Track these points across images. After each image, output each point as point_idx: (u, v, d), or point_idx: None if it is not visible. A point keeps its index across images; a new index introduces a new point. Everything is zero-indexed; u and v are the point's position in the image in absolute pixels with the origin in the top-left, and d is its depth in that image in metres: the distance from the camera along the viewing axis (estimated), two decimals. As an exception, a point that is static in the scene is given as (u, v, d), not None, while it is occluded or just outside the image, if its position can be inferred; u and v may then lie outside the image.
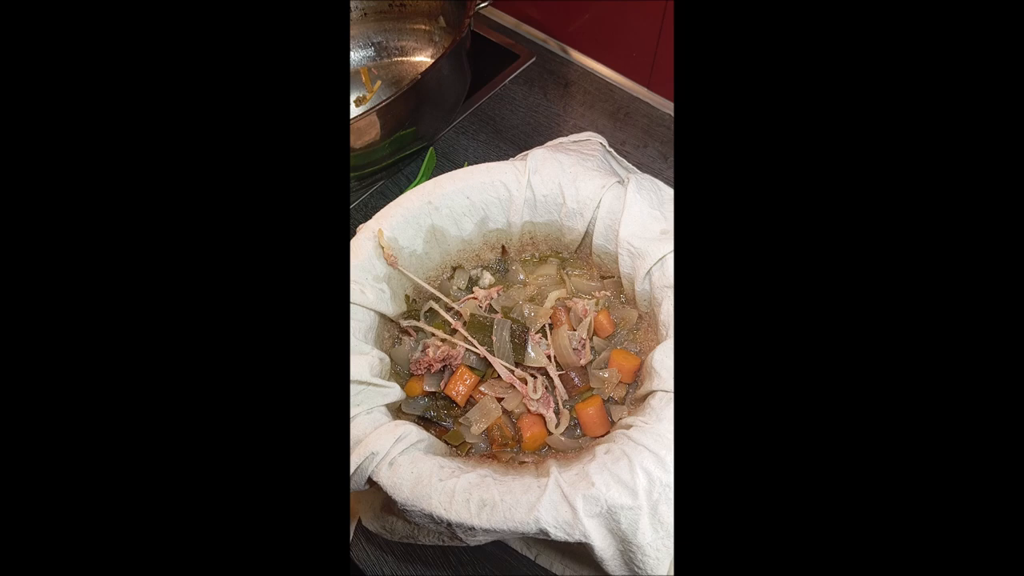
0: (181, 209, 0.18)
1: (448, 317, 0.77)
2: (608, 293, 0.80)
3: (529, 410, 0.71)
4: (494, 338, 0.74)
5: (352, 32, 1.11)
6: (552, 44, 1.17)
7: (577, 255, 0.83)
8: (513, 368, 0.73)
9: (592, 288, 0.81)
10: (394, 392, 0.68)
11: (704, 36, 0.21)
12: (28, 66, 0.16)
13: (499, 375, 0.73)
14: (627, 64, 1.08)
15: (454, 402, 0.73)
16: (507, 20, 1.22)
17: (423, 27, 1.09)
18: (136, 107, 0.17)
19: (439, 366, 0.73)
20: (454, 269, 0.82)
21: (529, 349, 0.73)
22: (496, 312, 0.78)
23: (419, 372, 0.74)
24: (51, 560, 0.16)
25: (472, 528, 0.55)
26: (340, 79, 0.22)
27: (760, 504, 0.20)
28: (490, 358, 0.73)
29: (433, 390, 0.74)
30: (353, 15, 1.10)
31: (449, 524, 0.56)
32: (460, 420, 0.73)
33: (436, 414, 0.74)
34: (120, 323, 0.17)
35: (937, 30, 0.19)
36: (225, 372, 0.19)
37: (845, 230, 0.20)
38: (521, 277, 0.83)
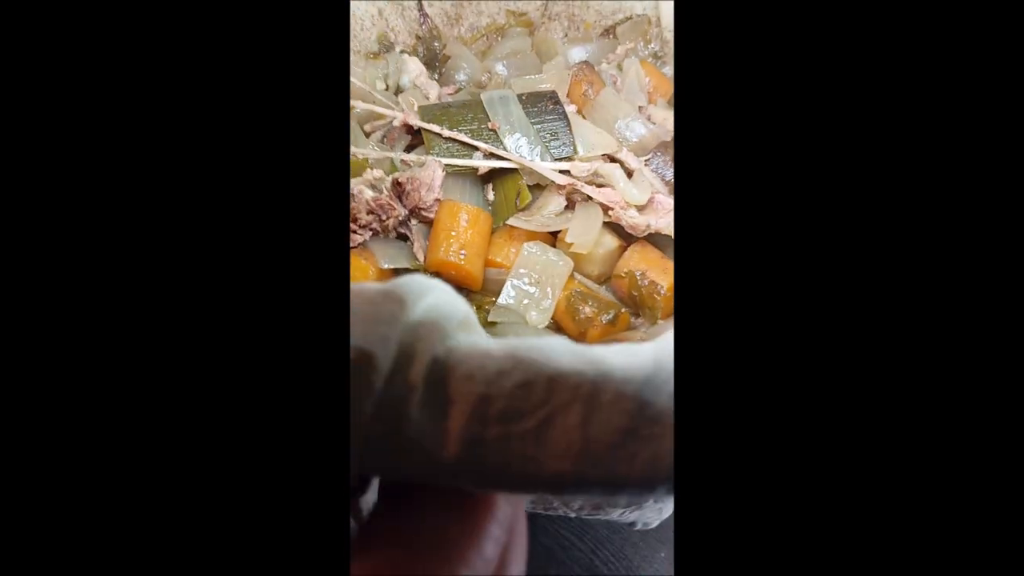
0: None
1: (381, 108, 0.34)
2: (635, 45, 0.44)
3: (626, 233, 0.32)
4: (496, 124, 0.34)
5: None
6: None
7: (548, 14, 0.47)
8: (563, 168, 0.33)
9: (601, 51, 0.45)
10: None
11: (704, 36, 0.21)
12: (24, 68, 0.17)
13: (522, 194, 0.33)
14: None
15: (456, 285, 0.32)
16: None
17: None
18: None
19: (399, 213, 0.31)
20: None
21: (563, 129, 0.35)
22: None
23: (356, 238, 0.31)
24: (44, 558, 0.17)
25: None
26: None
27: (761, 503, 0.20)
28: (514, 159, 0.32)
29: (402, 268, 0.32)
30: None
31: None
32: (490, 315, 0.32)
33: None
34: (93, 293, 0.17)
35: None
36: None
37: (846, 231, 0.20)
38: (465, 76, 0.44)
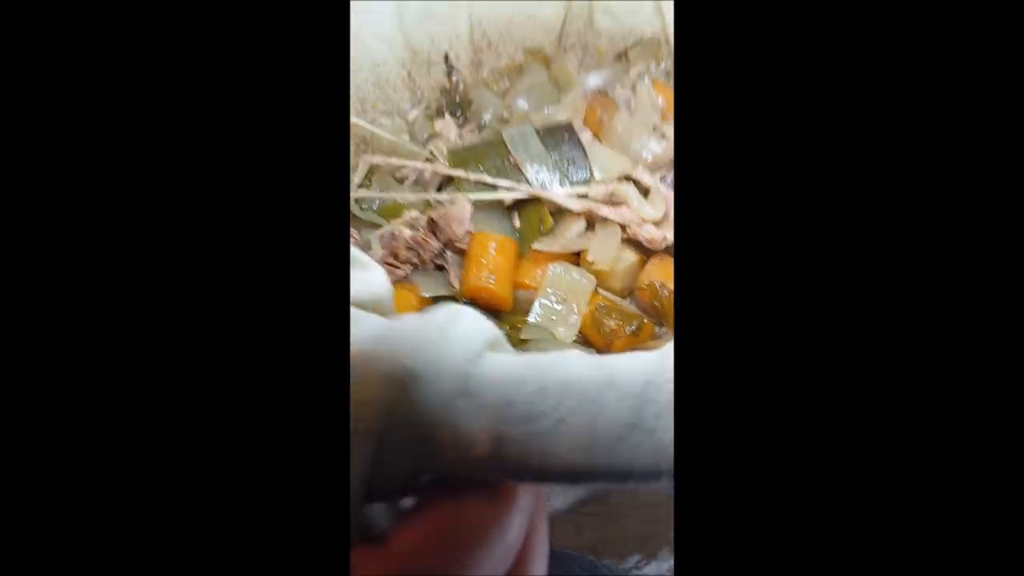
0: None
1: (411, 162, 0.38)
2: (647, 66, 0.47)
3: (645, 247, 0.35)
4: (518, 158, 0.37)
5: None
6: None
7: (563, 46, 0.50)
8: (581, 193, 0.36)
9: (615, 76, 0.47)
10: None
11: (704, 36, 0.21)
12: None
13: (544, 220, 0.35)
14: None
15: (489, 308, 0.35)
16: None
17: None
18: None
19: (435, 247, 0.35)
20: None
21: (580, 156, 0.38)
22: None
23: (399, 272, 0.35)
24: (43, 562, 0.17)
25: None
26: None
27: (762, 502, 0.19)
28: (532, 190, 0.36)
29: (441, 295, 0.35)
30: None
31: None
32: (522, 333, 0.35)
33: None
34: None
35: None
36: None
37: (848, 231, 0.20)
38: (490, 116, 0.47)
